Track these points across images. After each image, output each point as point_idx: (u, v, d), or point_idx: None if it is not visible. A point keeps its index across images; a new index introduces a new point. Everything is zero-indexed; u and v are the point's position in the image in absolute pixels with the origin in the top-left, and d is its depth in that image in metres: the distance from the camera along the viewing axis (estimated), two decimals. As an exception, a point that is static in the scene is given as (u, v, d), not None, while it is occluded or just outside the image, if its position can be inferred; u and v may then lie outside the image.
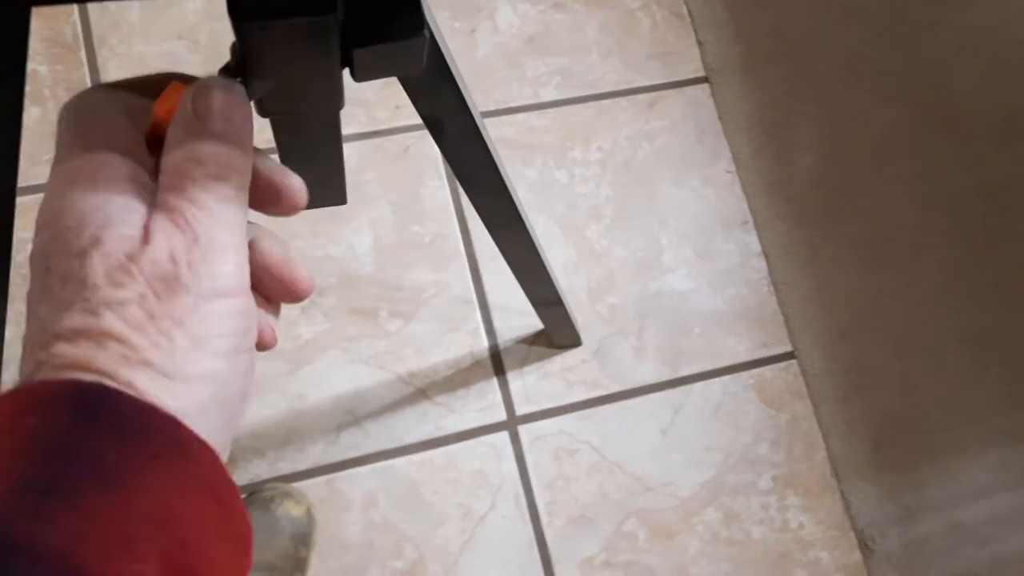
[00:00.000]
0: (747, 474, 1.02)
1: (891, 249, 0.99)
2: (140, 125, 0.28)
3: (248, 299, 0.27)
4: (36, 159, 1.01)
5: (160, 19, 1.05)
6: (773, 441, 1.04)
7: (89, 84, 1.03)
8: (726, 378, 1.05)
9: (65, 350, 0.24)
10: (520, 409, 1.01)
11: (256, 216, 0.30)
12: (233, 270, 0.26)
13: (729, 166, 1.14)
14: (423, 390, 1.00)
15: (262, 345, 0.30)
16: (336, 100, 0.35)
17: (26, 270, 0.26)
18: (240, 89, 0.28)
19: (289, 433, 0.96)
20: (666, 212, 1.11)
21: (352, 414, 0.98)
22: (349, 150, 1.06)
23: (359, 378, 1.00)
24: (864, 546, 1.02)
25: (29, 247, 0.26)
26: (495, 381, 1.01)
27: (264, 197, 0.30)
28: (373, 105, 1.07)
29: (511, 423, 1.00)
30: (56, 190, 0.26)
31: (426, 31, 0.33)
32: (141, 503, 0.22)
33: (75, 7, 1.01)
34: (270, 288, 0.31)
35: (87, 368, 0.23)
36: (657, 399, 1.03)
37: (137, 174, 0.26)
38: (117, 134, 0.27)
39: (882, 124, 0.99)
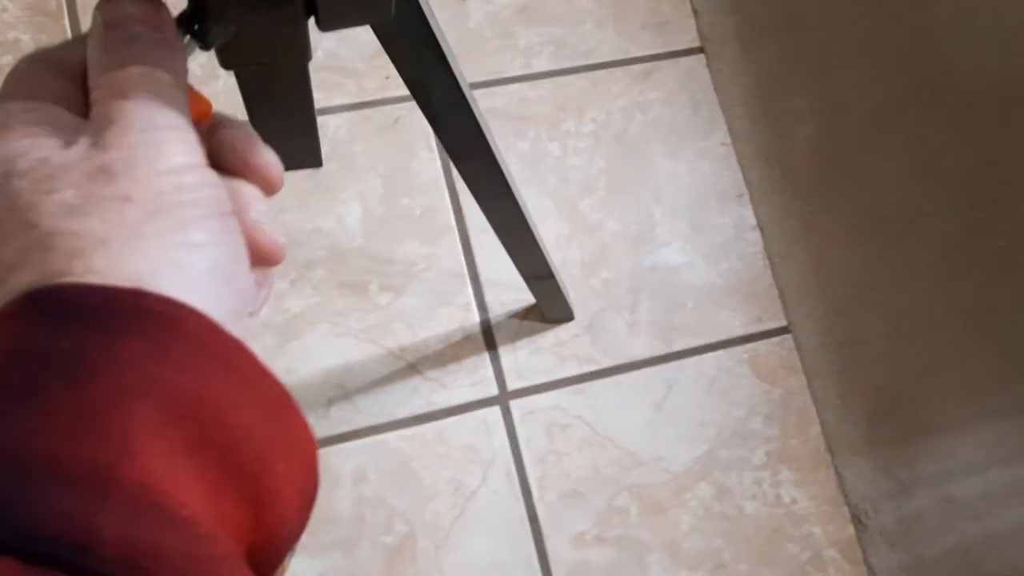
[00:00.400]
0: (740, 449, 1.01)
1: (887, 223, 0.98)
2: (71, 74, 0.26)
3: (204, 171, 0.25)
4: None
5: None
6: (767, 416, 1.03)
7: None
8: (720, 353, 1.04)
9: (17, 275, 0.22)
10: (512, 384, 1.00)
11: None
12: (180, 148, 0.24)
13: (724, 138, 1.13)
14: (414, 364, 0.99)
15: (262, 258, 0.29)
16: (302, 50, 0.33)
17: None
18: None
19: (278, 408, 0.95)
20: (660, 185, 1.09)
21: (342, 388, 0.97)
22: (338, 121, 1.05)
23: (349, 352, 0.99)
24: (857, 521, 1.01)
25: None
26: (486, 356, 1.00)
27: (236, 174, 0.29)
28: (363, 75, 1.05)
29: (502, 398, 0.99)
30: None
31: None
32: (109, 376, 0.21)
33: (57, -27, 0.99)
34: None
35: (41, 278, 0.22)
36: (650, 374, 1.03)
37: (58, 115, 0.25)
38: (37, 87, 0.25)
39: (879, 97, 0.97)
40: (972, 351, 0.91)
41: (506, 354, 1.01)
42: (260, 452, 0.22)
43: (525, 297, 1.00)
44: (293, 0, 0.30)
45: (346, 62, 1.07)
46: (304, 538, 0.84)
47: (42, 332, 0.21)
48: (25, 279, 0.22)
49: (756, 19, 1.11)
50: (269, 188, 0.30)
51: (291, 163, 0.44)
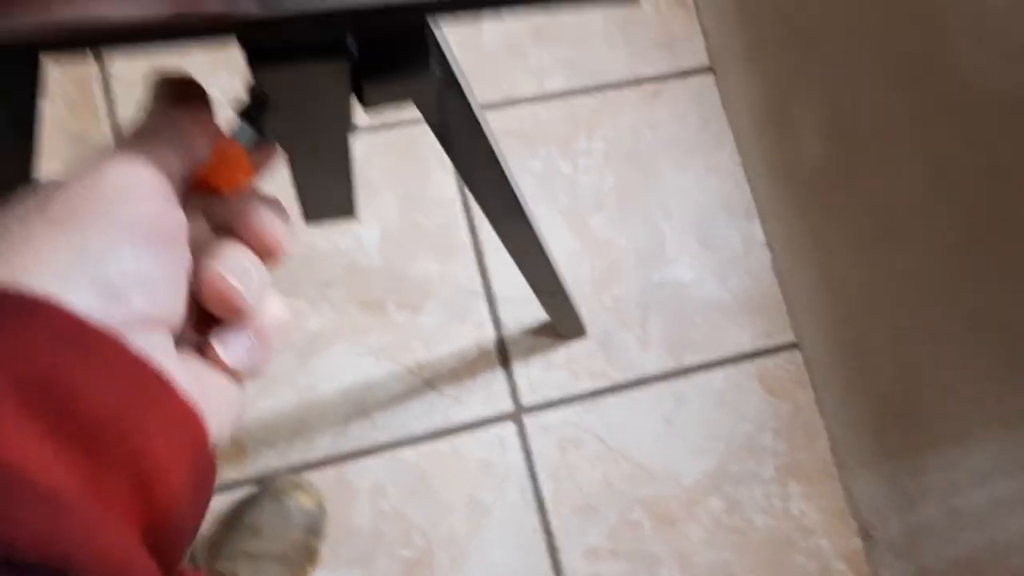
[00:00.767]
0: (749, 463, 1.04)
1: (894, 237, 1.00)
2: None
3: (149, 200, 0.26)
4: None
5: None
6: (775, 430, 1.05)
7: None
8: (729, 368, 1.07)
9: None
10: (526, 400, 1.02)
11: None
12: (125, 181, 0.26)
13: (733, 155, 1.14)
14: (430, 381, 1.01)
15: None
16: (345, 125, 0.36)
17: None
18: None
19: (299, 425, 0.98)
20: (669, 201, 1.11)
21: (360, 405, 1.00)
22: (356, 144, 1.07)
23: (367, 370, 1.01)
24: (864, 533, 1.03)
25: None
26: (501, 372, 1.03)
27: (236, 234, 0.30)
28: (378, 97, 1.08)
29: (517, 414, 1.02)
30: None
31: (433, 64, 0.34)
32: None
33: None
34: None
35: None
36: (661, 389, 1.05)
37: None
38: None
39: (886, 111, 0.99)
40: (979, 364, 0.93)
41: (520, 370, 1.03)
42: (130, 431, 0.22)
43: (538, 313, 1.02)
44: (342, 90, 0.33)
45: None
46: (325, 552, 0.87)
47: None
48: None
49: (764, 38, 1.13)
50: (267, 253, 0.31)
51: (328, 214, 0.47)
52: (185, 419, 0.24)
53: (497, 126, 1.10)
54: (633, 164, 1.12)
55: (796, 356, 1.08)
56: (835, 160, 1.06)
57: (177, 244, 0.27)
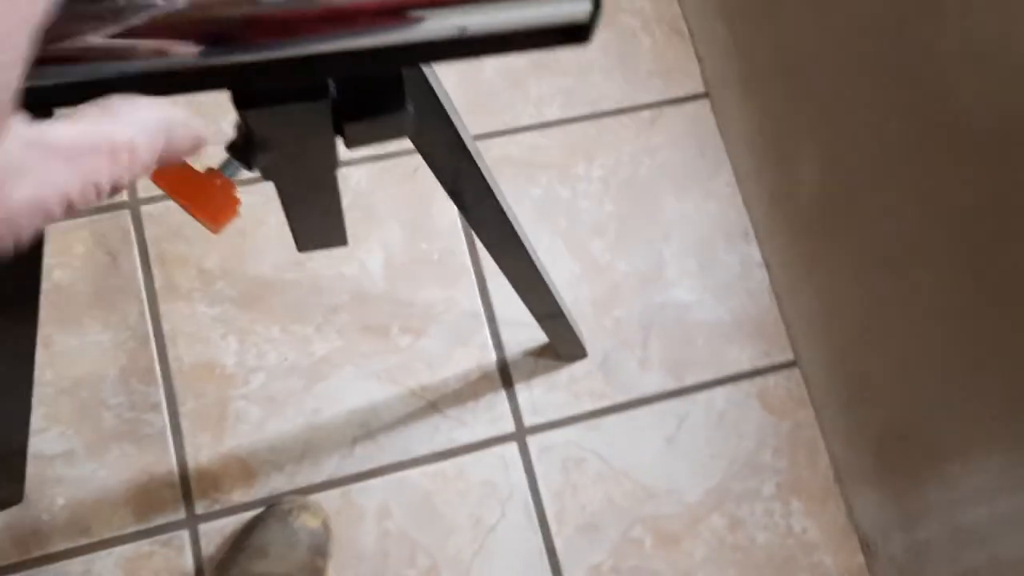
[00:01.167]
0: (751, 481, 1.05)
1: (892, 259, 1.01)
2: None
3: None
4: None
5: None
6: (776, 448, 1.06)
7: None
8: (729, 387, 1.08)
9: None
10: (528, 420, 1.04)
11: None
12: None
13: (730, 179, 1.17)
14: (434, 403, 1.03)
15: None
16: (331, 163, 0.38)
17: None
18: None
19: (306, 447, 1.00)
20: (668, 226, 1.14)
21: (366, 428, 1.02)
22: (359, 172, 1.10)
23: (372, 393, 1.03)
24: (867, 550, 1.04)
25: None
26: (503, 393, 1.05)
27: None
28: (382, 128, 1.11)
29: (519, 434, 1.03)
30: None
31: (409, 105, 0.36)
32: None
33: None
34: None
35: None
36: (662, 409, 1.06)
37: None
38: None
39: (883, 137, 1.01)
40: (978, 382, 0.94)
41: (522, 391, 1.05)
42: None
43: (540, 336, 1.05)
44: (325, 131, 0.35)
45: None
46: (331, 573, 0.89)
47: None
48: None
49: (759, 64, 1.16)
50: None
51: (320, 243, 0.50)
52: None
53: (498, 154, 1.14)
54: (632, 189, 1.15)
55: (795, 375, 1.10)
56: (832, 185, 1.08)
57: None
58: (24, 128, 0.22)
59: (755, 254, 1.14)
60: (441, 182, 0.62)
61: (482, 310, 1.07)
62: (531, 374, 1.06)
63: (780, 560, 1.02)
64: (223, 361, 1.02)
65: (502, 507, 1.01)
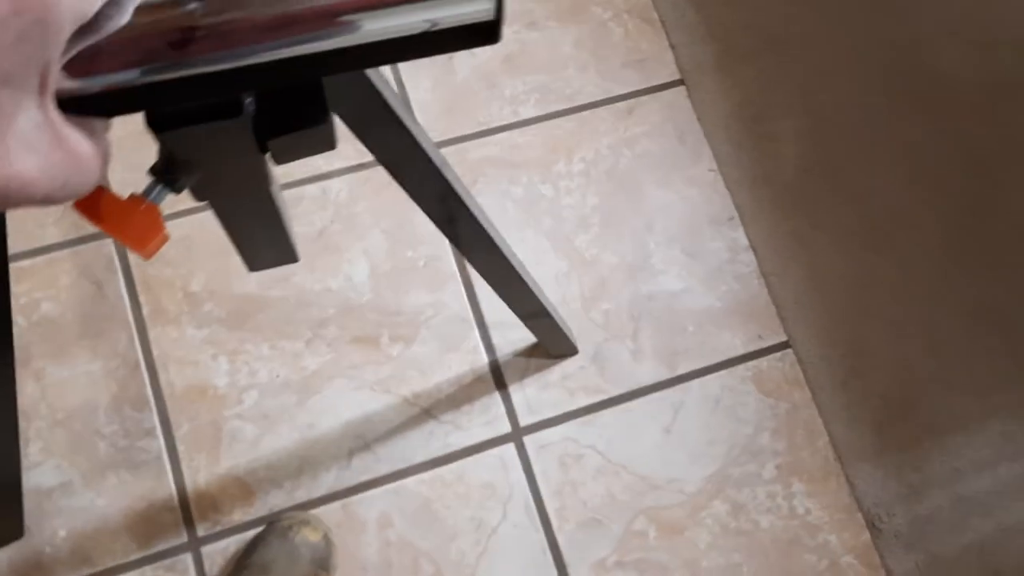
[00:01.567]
0: (751, 465, 1.04)
1: (879, 231, 1.01)
2: None
3: None
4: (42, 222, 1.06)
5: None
6: (774, 431, 1.06)
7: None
8: (723, 373, 1.08)
9: None
10: (524, 420, 1.04)
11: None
12: None
13: (711, 164, 1.16)
14: (428, 409, 1.03)
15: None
16: (262, 180, 0.38)
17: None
18: None
19: (303, 462, 1.00)
20: (652, 215, 1.13)
21: (362, 439, 1.02)
22: (339, 184, 1.10)
23: (366, 403, 1.03)
24: (872, 526, 1.03)
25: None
26: (497, 395, 1.04)
27: None
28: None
29: (516, 434, 1.03)
30: None
31: (331, 118, 0.36)
32: None
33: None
34: None
35: None
36: (657, 399, 1.06)
37: None
38: None
39: (862, 109, 1.00)
40: (974, 350, 0.94)
41: (516, 392, 1.05)
42: None
43: (531, 336, 1.04)
44: (247, 148, 0.35)
45: (344, 128, 1.12)
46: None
47: None
48: None
49: (733, 46, 1.15)
50: None
51: (269, 262, 0.49)
52: None
53: (477, 155, 1.14)
54: (614, 182, 1.14)
55: (789, 356, 1.09)
56: (813, 161, 1.07)
57: None
58: (43, 112, 0.24)
59: (741, 237, 1.14)
60: (407, 192, 0.61)
61: (471, 313, 1.07)
62: (524, 373, 1.06)
63: (785, 542, 1.02)
64: (215, 382, 1.02)
65: (503, 508, 1.01)
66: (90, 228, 1.05)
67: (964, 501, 0.98)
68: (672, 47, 1.21)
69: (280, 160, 0.37)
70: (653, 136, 1.17)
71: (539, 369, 1.06)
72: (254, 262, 0.50)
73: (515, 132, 1.15)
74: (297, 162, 1.02)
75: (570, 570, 0.99)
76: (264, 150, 0.36)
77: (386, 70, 1.15)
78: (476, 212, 0.68)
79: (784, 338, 1.10)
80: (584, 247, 1.11)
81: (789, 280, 1.11)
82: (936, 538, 1.00)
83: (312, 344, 1.04)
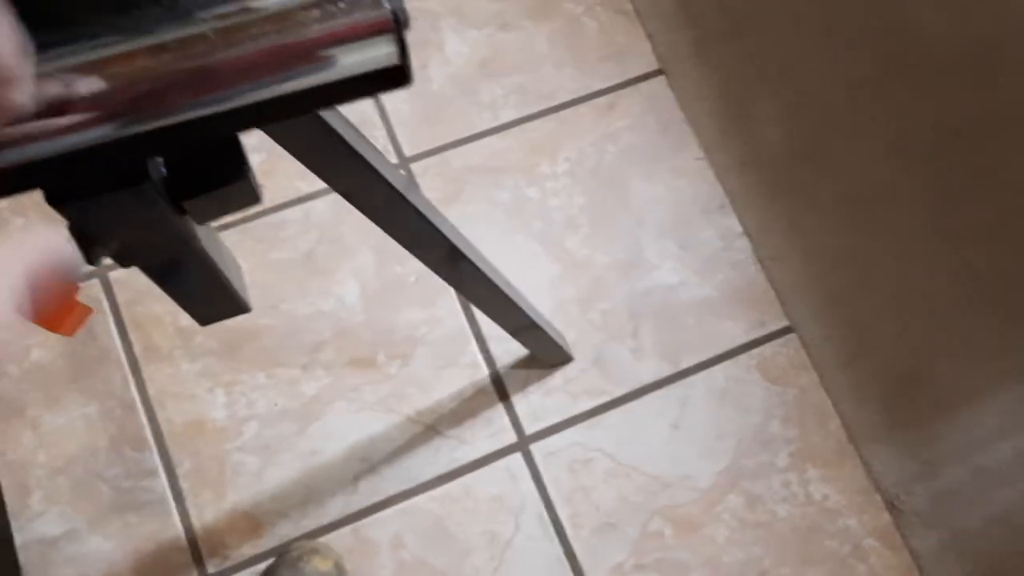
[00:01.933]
0: (763, 455, 1.02)
1: (871, 206, 0.99)
2: None
3: None
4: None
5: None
6: (784, 418, 1.04)
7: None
8: (727, 363, 1.06)
9: None
10: (529, 428, 1.02)
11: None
12: None
13: (697, 153, 1.15)
14: (432, 426, 1.02)
15: None
16: (186, 241, 0.36)
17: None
18: None
19: (308, 491, 0.99)
20: (642, 210, 1.12)
21: (367, 461, 1.00)
22: (321, 205, 1.09)
23: (368, 425, 1.02)
24: (891, 506, 1.02)
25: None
26: (500, 406, 1.03)
27: None
28: (339, 157, 1.09)
29: (522, 444, 1.02)
30: None
31: (250, 172, 0.34)
32: None
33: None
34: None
35: None
36: (662, 396, 1.04)
37: None
38: None
39: (844, 83, 0.99)
40: (977, 319, 0.92)
41: (519, 401, 1.03)
42: None
43: (528, 342, 1.03)
44: (161, 211, 0.32)
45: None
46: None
47: None
48: None
49: (710, 31, 1.14)
50: None
51: (219, 315, 0.47)
52: None
53: (460, 164, 1.12)
54: (600, 179, 1.13)
55: (793, 340, 1.07)
56: (799, 142, 1.05)
57: None
58: None
59: (734, 224, 1.12)
60: (373, 220, 0.60)
61: (467, 325, 1.06)
62: (525, 382, 1.04)
63: (805, 531, 1.00)
64: (213, 415, 1.01)
65: (515, 519, 0.99)
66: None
67: (983, 472, 0.96)
68: (649, 36, 1.20)
69: (202, 220, 0.35)
70: (636, 129, 1.15)
71: (540, 376, 1.04)
72: (203, 316, 0.47)
73: (496, 137, 1.13)
74: (276, 186, 1.00)
75: (588, 577, 0.97)
76: (182, 212, 0.34)
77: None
78: (447, 230, 0.66)
79: (786, 323, 1.08)
80: (575, 248, 1.09)
81: (785, 263, 1.09)
82: (958, 513, 0.98)
83: (309, 369, 1.03)
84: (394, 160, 1.11)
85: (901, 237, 0.97)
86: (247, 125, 0.28)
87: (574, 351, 1.04)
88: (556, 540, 0.99)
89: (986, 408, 0.95)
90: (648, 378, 1.05)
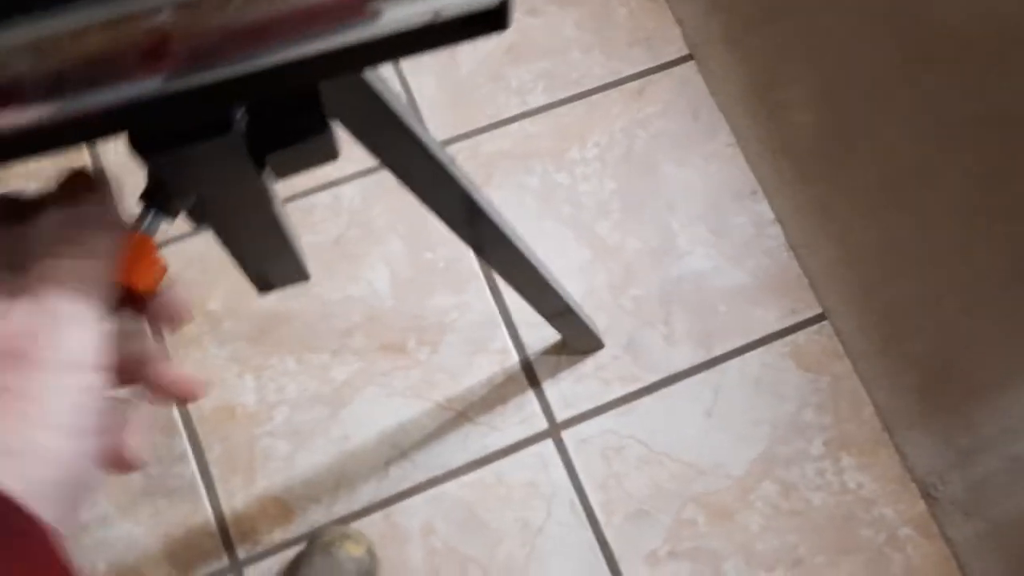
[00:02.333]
0: (797, 442, 1.01)
1: (903, 191, 0.98)
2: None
3: (96, 377, 0.27)
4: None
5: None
6: (818, 405, 1.03)
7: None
8: (760, 350, 1.05)
9: None
10: (560, 415, 1.01)
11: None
12: (81, 344, 0.26)
13: (728, 139, 1.14)
14: (463, 412, 1.01)
15: (121, 464, 0.29)
16: (263, 199, 0.35)
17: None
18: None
19: (339, 476, 0.98)
20: (673, 195, 1.11)
21: (398, 447, 0.99)
22: (352, 190, 1.08)
23: (399, 411, 1.01)
24: (927, 495, 1.01)
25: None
26: (531, 392, 1.02)
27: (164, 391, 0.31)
28: (367, 142, 1.08)
29: (554, 430, 1.01)
30: None
31: (331, 126, 0.33)
32: None
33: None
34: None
35: None
36: (695, 382, 1.03)
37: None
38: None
39: (874, 68, 0.98)
40: (1011, 305, 0.91)
41: (550, 387, 1.02)
42: None
43: (559, 328, 1.02)
44: (242, 166, 0.32)
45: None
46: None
47: None
48: None
49: (740, 17, 1.13)
50: (185, 397, 0.32)
51: (279, 282, 0.46)
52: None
53: (489, 149, 1.11)
54: (631, 164, 1.12)
55: (826, 327, 1.06)
56: (830, 127, 1.04)
57: (86, 434, 0.27)
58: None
59: (766, 210, 1.11)
60: (416, 195, 0.59)
61: (497, 311, 1.05)
62: (556, 368, 1.03)
63: (840, 519, 0.99)
64: (243, 400, 1.00)
65: (547, 506, 0.98)
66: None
67: (1020, 461, 0.95)
68: (678, 22, 1.19)
69: (281, 175, 0.34)
70: (666, 115, 1.14)
71: (572, 362, 1.03)
72: (263, 284, 0.47)
73: (525, 122, 1.13)
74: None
75: (622, 565, 0.96)
76: (262, 166, 0.33)
77: (388, 69, 1.13)
78: (489, 210, 0.65)
79: (819, 310, 1.07)
80: (606, 234, 1.08)
81: (818, 250, 1.08)
82: (995, 502, 0.97)
83: (339, 355, 1.02)
84: (423, 145, 1.11)
85: (936, 222, 0.95)
86: (336, 72, 0.27)
87: (605, 337, 1.03)
88: (588, 527, 0.98)
89: (1021, 396, 0.94)
90: (681, 365, 1.04)
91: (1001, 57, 0.82)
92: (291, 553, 0.95)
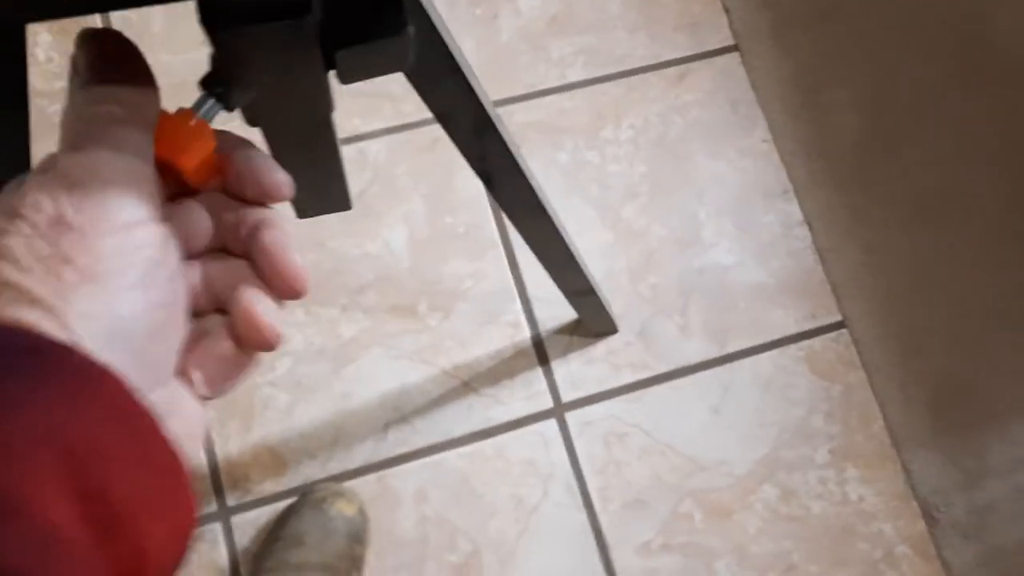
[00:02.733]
0: (803, 448, 1.00)
1: (936, 207, 0.96)
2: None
3: (152, 231, 0.27)
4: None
5: (182, 27, 1.05)
6: (828, 413, 1.01)
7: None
8: (775, 352, 1.03)
9: None
10: (566, 396, 1.00)
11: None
12: (128, 203, 0.26)
13: (765, 135, 1.11)
14: (468, 382, 0.99)
15: (261, 341, 0.30)
16: (324, 104, 0.34)
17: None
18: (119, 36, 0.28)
19: (338, 433, 0.96)
20: (703, 186, 1.08)
21: (399, 411, 0.98)
22: (378, 145, 1.06)
23: (403, 374, 0.99)
24: (928, 515, 0.99)
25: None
26: (539, 369, 1.00)
27: (248, 191, 0.31)
28: (400, 99, 1.06)
29: (558, 410, 0.99)
30: None
31: (409, 28, 0.31)
32: (27, 417, 0.22)
33: (99, 18, 1.01)
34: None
35: None
36: (706, 377, 1.02)
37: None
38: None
39: (919, 81, 0.96)
40: (1037, 334, 0.89)
41: (559, 366, 1.01)
42: (147, 519, 0.24)
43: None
44: (312, 58, 0.30)
45: (382, 86, 1.07)
46: (371, 560, 0.85)
47: None
48: None
49: (789, 13, 1.10)
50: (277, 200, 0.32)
51: (321, 208, 0.45)
52: (188, 511, 0.26)
53: (522, 119, 1.09)
54: (663, 150, 1.10)
55: (844, 336, 1.04)
56: (872, 134, 1.02)
57: (169, 279, 0.27)
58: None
59: (795, 211, 1.09)
60: (459, 147, 0.57)
61: (513, 284, 1.03)
62: (567, 348, 1.01)
63: (837, 530, 0.98)
64: (247, 348, 0.98)
65: (544, 486, 0.97)
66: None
67: (1026, 492, 0.93)
68: (726, 11, 1.16)
69: (346, 78, 0.33)
70: (705, 104, 1.12)
71: (583, 344, 1.01)
72: (305, 207, 0.45)
73: (562, 96, 1.10)
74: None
75: (612, 552, 0.95)
76: (329, 65, 0.31)
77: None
78: (530, 176, 0.63)
79: (839, 317, 1.05)
80: (632, 217, 1.06)
81: (844, 256, 1.06)
82: (996, 530, 0.95)
83: (348, 311, 1.00)
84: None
85: (969, 243, 0.93)
86: None
87: (620, 322, 1.02)
88: (583, 511, 0.96)
89: (1035, 427, 0.92)
90: (693, 358, 1.02)
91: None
92: (281, 505, 0.93)
